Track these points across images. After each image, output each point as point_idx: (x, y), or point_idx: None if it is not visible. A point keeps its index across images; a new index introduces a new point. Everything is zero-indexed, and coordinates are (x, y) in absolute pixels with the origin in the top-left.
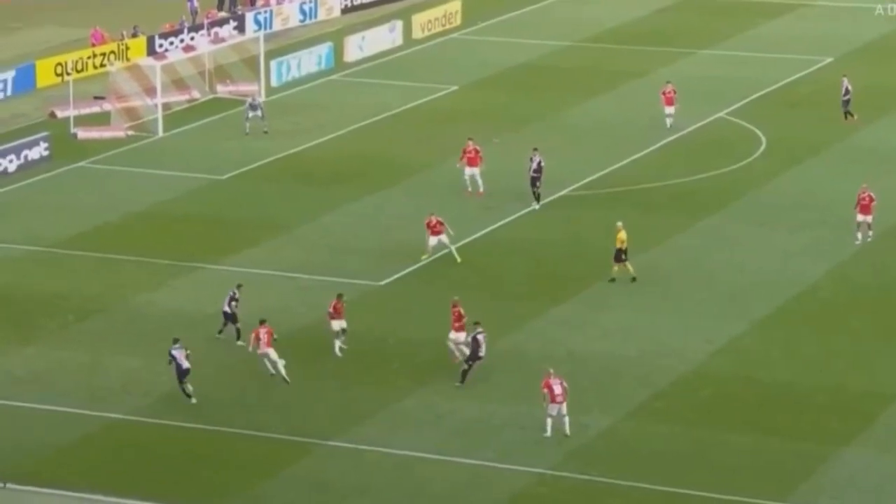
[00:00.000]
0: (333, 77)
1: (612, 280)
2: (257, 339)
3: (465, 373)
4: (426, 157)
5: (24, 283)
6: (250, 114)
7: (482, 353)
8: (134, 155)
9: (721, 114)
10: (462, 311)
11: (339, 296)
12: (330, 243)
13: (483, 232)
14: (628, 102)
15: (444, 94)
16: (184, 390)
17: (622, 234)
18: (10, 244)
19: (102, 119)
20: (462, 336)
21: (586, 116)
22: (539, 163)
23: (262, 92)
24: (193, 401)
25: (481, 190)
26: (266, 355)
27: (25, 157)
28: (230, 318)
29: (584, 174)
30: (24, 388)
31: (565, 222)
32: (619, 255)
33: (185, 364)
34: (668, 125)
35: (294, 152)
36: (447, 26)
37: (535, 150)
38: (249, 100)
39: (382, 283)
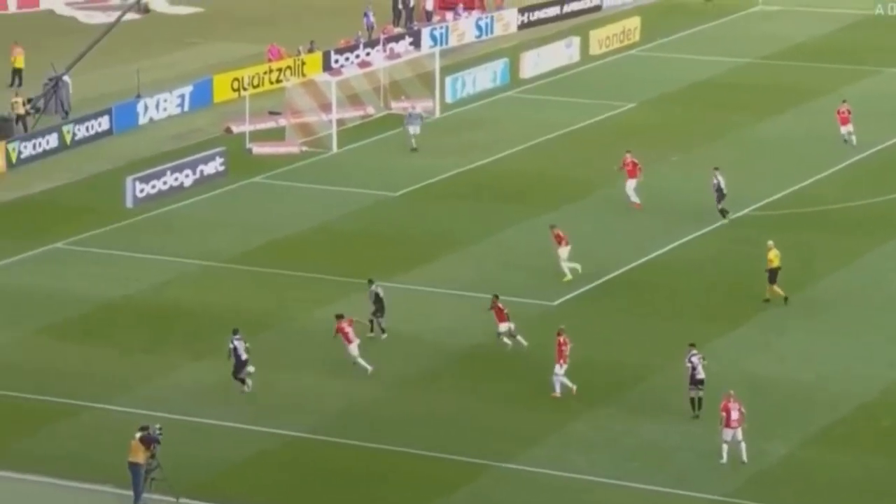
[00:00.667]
0: (509, 93)
1: (767, 300)
2: (344, 333)
3: (693, 401)
4: (603, 175)
5: (197, 298)
6: (410, 129)
7: (700, 375)
8: (308, 171)
9: None
10: (564, 339)
11: (495, 297)
12: (503, 261)
13: (661, 251)
14: (811, 121)
15: (621, 111)
16: (241, 380)
17: (771, 254)
18: (184, 258)
19: (277, 134)
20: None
21: (768, 134)
22: (718, 183)
23: (437, 108)
24: (247, 390)
25: (637, 202)
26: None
27: (201, 171)
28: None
29: (765, 193)
30: (197, 402)
31: (744, 242)
32: (773, 276)
33: (244, 356)
34: (850, 143)
35: (468, 169)
36: (625, 42)
37: (716, 169)
38: (409, 110)
39: (556, 302)
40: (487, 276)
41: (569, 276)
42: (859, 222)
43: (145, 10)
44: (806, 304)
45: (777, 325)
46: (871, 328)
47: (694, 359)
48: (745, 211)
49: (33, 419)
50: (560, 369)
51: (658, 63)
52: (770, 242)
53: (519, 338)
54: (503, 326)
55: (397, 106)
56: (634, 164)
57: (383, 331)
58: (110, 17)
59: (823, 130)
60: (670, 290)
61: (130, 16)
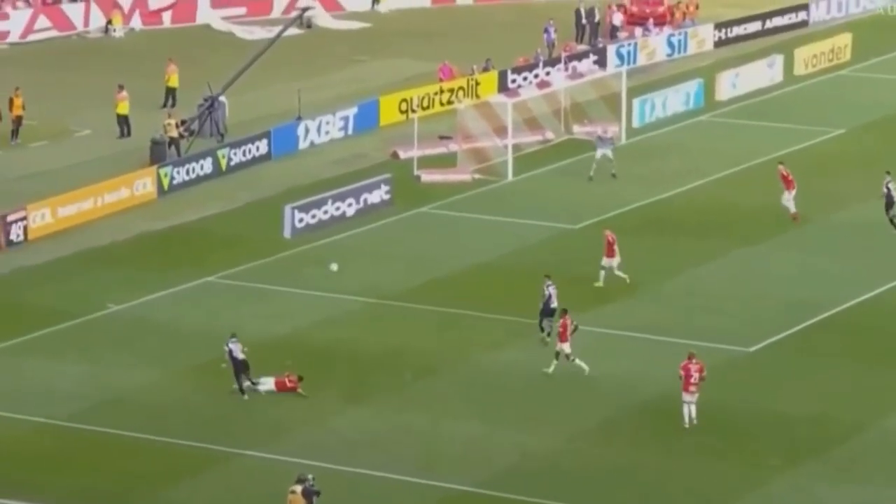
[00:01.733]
0: (702, 118)
1: None
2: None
3: None
4: (806, 208)
5: (360, 338)
6: (599, 153)
7: None
8: (481, 200)
9: None
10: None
11: (564, 311)
12: (693, 302)
13: (875, 291)
14: None
15: (829, 138)
16: (240, 386)
17: None
18: (345, 294)
19: (448, 161)
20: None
21: None
22: (889, 192)
23: (623, 133)
24: (246, 397)
25: (793, 211)
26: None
27: (365, 200)
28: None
29: None
30: (359, 451)
31: None
32: None
33: (241, 356)
34: None
35: (656, 200)
36: (835, 62)
37: (888, 173)
38: (598, 132)
39: (752, 349)
40: (675, 318)
41: None
42: None
43: (308, 25)
44: None
45: None
46: None
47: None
48: None
49: (181, 466)
50: (567, 348)
51: (872, 84)
52: None
53: (578, 361)
54: (565, 346)
55: (580, 130)
56: (785, 177)
57: (549, 334)
58: (270, 33)
59: None
60: (887, 334)
61: (292, 31)
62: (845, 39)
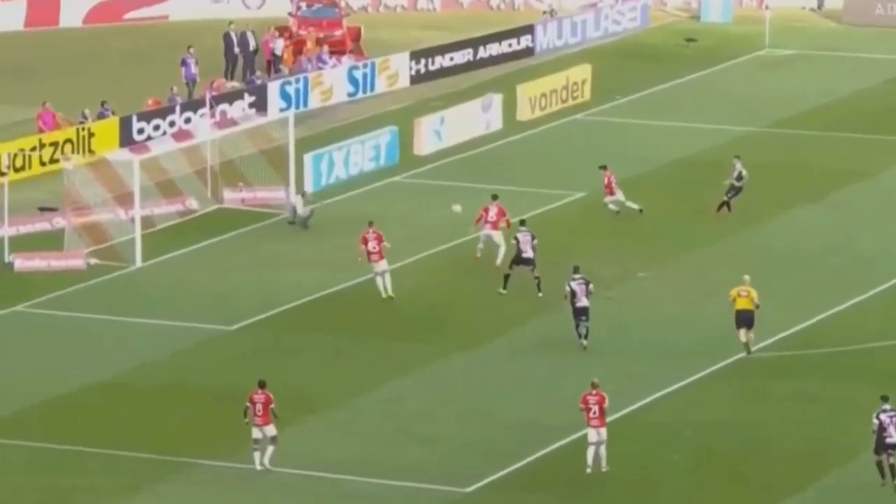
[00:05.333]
0: (397, 178)
1: None
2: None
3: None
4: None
5: None
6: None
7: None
8: (100, 294)
9: None
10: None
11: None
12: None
13: None
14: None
15: (568, 202)
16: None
17: None
18: None
19: (52, 241)
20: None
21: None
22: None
23: (296, 201)
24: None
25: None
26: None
27: None
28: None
29: None
30: None
31: None
32: None
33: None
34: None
35: (337, 291)
36: (570, 102)
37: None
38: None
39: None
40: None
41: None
42: None
43: None
44: None
45: None
46: None
47: (884, 416)
48: None
49: None
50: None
51: (619, 132)
52: None
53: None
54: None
55: (232, 197)
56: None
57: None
58: None
59: None
60: None
61: None
62: (583, 73)
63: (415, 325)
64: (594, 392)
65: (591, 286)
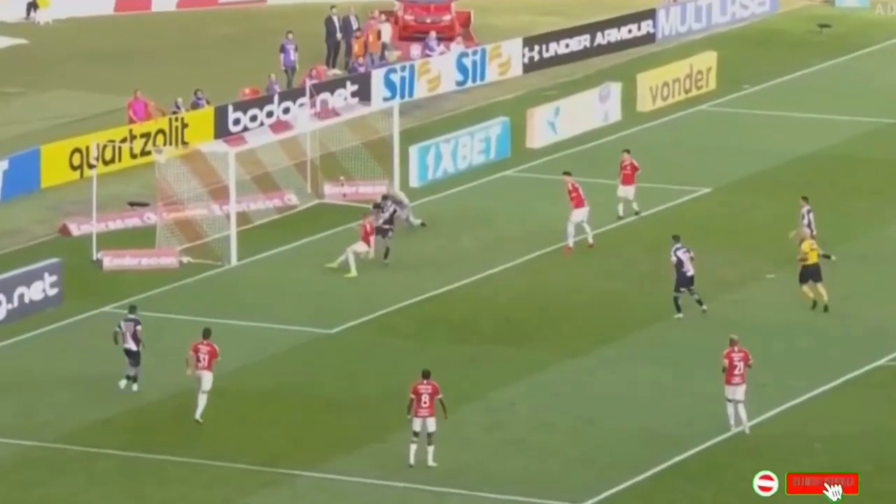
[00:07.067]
0: (509, 173)
1: None
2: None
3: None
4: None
5: None
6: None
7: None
8: (192, 295)
9: None
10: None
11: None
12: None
13: None
14: None
15: (689, 199)
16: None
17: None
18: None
19: (143, 238)
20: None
21: None
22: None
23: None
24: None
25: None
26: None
27: (21, 297)
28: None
29: None
30: None
31: None
32: None
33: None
34: None
35: (439, 293)
36: (694, 92)
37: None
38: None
39: None
40: None
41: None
42: None
43: None
44: None
45: None
46: None
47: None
48: None
49: None
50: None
51: (743, 123)
52: None
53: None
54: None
55: (333, 192)
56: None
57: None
58: None
59: None
60: None
61: None
62: (708, 60)
63: (525, 328)
64: (736, 349)
65: (692, 253)
